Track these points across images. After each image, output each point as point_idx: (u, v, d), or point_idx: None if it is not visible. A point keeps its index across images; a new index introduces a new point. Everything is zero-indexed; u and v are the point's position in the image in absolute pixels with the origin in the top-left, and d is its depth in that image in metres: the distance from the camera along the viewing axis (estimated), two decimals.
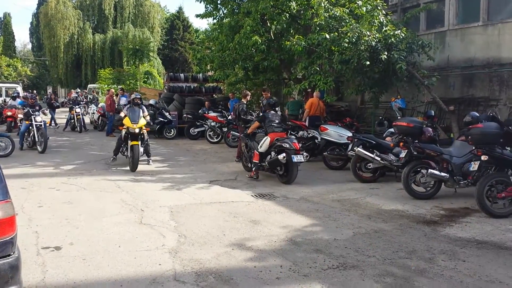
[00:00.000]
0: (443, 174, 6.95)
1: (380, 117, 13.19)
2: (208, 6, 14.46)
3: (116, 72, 30.96)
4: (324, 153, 10.09)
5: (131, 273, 4.12)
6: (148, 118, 10.31)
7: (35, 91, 37.23)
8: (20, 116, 14.35)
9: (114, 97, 18.02)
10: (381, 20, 10.75)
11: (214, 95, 19.58)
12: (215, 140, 14.60)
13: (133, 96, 10.54)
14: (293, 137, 9.37)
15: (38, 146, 11.77)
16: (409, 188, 7.13)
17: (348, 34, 9.98)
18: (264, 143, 8.54)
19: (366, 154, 8.36)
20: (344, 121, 12.06)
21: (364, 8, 10.71)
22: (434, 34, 13.27)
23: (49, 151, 11.90)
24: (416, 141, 7.28)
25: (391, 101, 12.45)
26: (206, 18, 14.77)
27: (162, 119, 15.58)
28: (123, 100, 17.42)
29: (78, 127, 17.60)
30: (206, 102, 15.71)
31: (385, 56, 9.84)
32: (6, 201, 2.97)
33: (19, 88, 23.75)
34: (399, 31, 10.30)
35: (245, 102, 10.83)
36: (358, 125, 12.57)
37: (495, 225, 5.74)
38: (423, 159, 7.21)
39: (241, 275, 4.11)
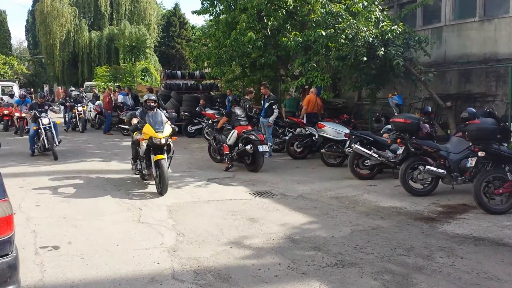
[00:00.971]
0: (440, 170, 6.96)
1: (377, 114, 13.20)
2: (204, 2, 14.45)
3: (113, 70, 30.88)
4: (321, 150, 10.09)
5: (130, 272, 4.12)
6: (169, 123, 7.89)
7: (32, 89, 37.11)
8: (27, 117, 14.05)
9: (112, 95, 17.95)
10: (378, 16, 10.74)
11: (211, 93, 19.57)
12: None
13: (145, 97, 8.13)
14: (257, 128, 10.15)
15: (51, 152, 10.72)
16: (407, 185, 7.13)
17: (346, 30, 9.96)
18: (232, 136, 9.24)
19: (363, 151, 8.36)
20: (341, 117, 12.01)
21: (361, 5, 10.68)
22: (430, 29, 13.28)
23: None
24: (414, 137, 7.27)
25: (388, 98, 12.47)
26: (202, 14, 14.74)
27: None
28: (121, 98, 17.37)
29: (80, 127, 17.07)
30: (201, 100, 15.67)
31: (382, 52, 9.82)
32: (3, 200, 2.97)
33: (15, 87, 23.44)
34: (396, 26, 10.28)
35: (248, 99, 11.29)
36: (356, 122, 12.52)
37: (493, 221, 5.75)
38: (420, 156, 7.22)
39: (240, 273, 4.12)
